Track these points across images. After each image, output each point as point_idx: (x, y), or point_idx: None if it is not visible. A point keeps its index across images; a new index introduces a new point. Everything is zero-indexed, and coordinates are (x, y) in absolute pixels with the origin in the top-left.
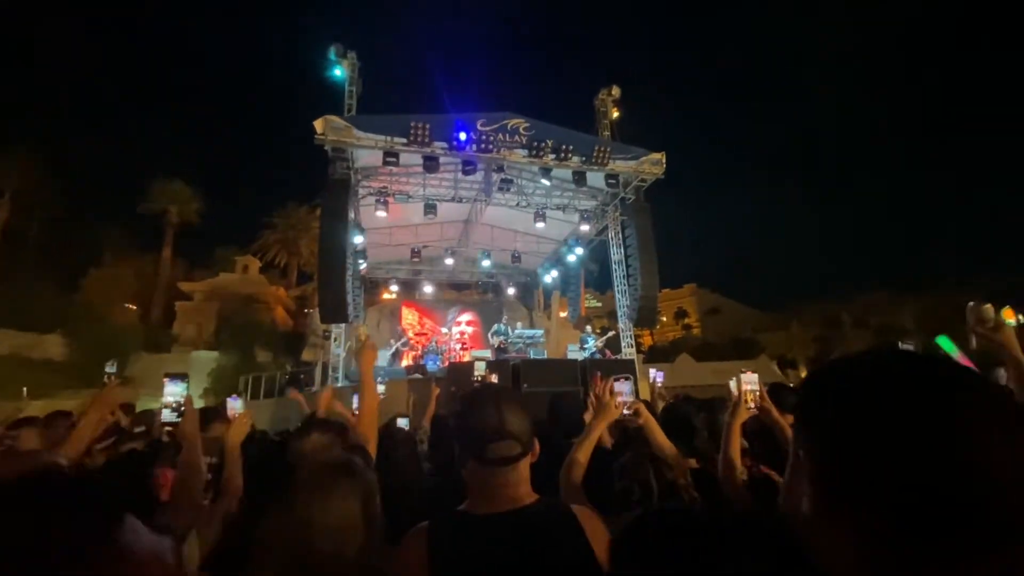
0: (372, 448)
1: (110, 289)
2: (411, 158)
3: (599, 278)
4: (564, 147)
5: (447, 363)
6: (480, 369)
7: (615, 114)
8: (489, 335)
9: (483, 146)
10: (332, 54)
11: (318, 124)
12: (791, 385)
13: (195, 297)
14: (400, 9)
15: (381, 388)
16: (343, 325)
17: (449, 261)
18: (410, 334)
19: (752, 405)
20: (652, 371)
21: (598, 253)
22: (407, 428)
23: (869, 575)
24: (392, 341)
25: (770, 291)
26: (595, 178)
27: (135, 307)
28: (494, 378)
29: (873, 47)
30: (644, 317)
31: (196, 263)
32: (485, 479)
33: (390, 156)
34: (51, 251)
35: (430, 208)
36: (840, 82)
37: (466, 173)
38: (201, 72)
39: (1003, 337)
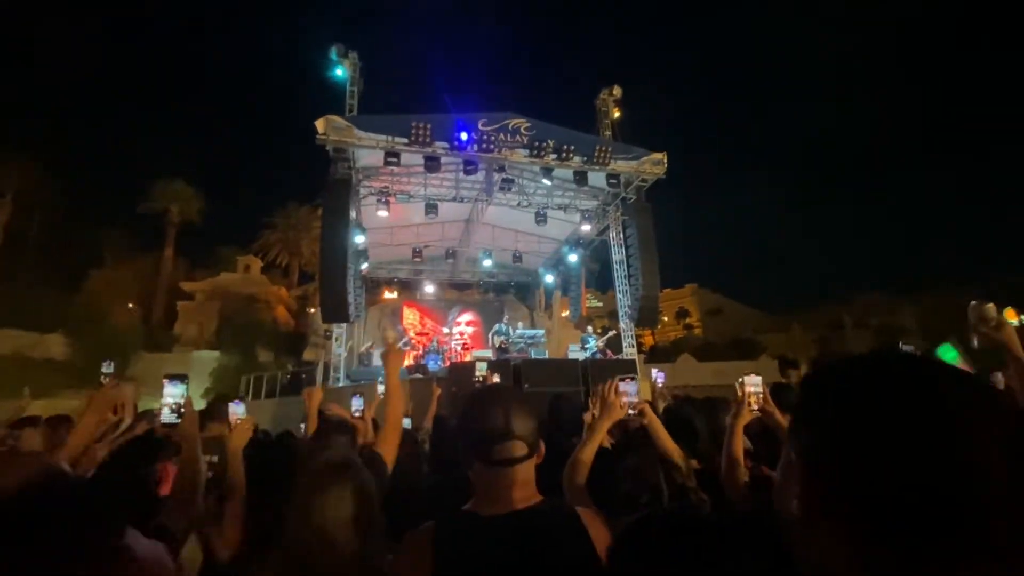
0: (392, 452)
1: (111, 289)
2: (412, 158)
3: (600, 278)
4: (565, 147)
5: (448, 363)
6: (481, 369)
7: (616, 114)
8: (490, 335)
9: (484, 146)
10: (333, 54)
11: (319, 124)
12: (792, 386)
13: (196, 297)
14: (401, 9)
15: (382, 388)
16: (344, 325)
17: (450, 261)
18: (411, 334)
19: (755, 407)
20: (653, 371)
21: (599, 253)
22: (409, 428)
23: (861, 575)
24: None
25: (772, 292)
26: (596, 178)
27: (136, 307)
28: (495, 378)
29: (873, 46)
30: (645, 317)
31: (197, 263)
32: (491, 480)
33: (391, 156)
34: (52, 252)
35: (431, 208)
36: (841, 82)
37: (467, 173)
38: (202, 71)
39: (1005, 336)
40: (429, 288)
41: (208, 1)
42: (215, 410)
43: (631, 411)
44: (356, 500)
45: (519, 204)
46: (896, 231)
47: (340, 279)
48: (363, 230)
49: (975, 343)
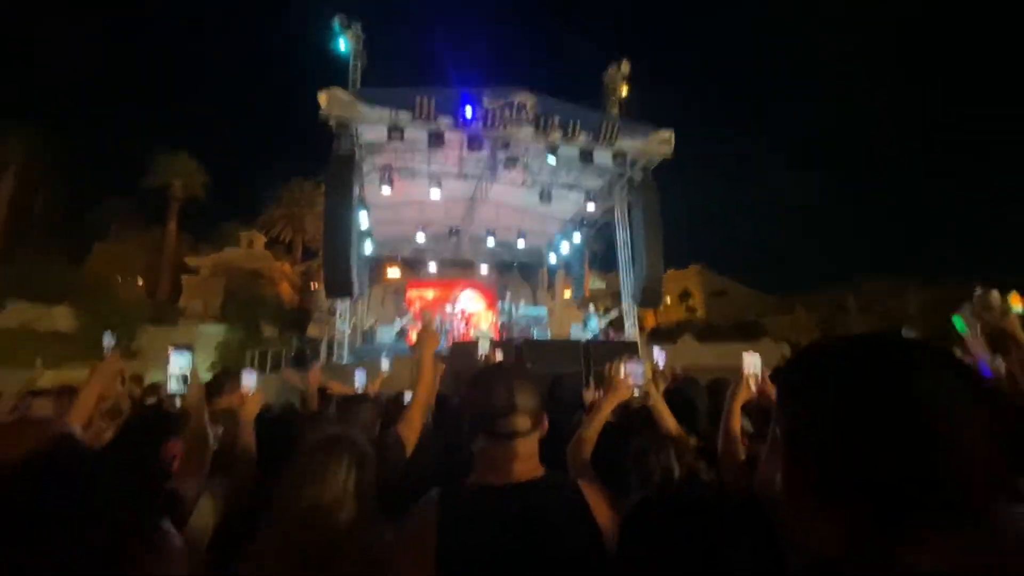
0: (414, 435)
1: (116, 263)
2: (416, 134)
3: (604, 258)
4: (571, 124)
5: (451, 342)
6: (483, 348)
7: (624, 90)
8: (493, 314)
9: (489, 122)
10: (336, 25)
11: (322, 97)
12: None
13: (201, 272)
14: None
15: (386, 364)
16: (348, 302)
17: (454, 240)
18: (414, 311)
19: (753, 386)
20: (655, 351)
21: (603, 233)
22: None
23: (840, 551)
24: (397, 319)
25: (777, 274)
26: (602, 156)
27: (142, 280)
28: (498, 357)
29: (885, 36)
30: (648, 298)
31: (201, 238)
32: (494, 453)
33: (395, 131)
34: (57, 225)
35: (435, 185)
36: (854, 65)
37: (472, 150)
38: (206, 45)
39: (1008, 323)
40: (432, 266)
41: None
42: (222, 382)
43: (636, 391)
44: (350, 474)
45: (524, 182)
46: (904, 218)
47: (344, 256)
48: (367, 207)
49: (979, 330)
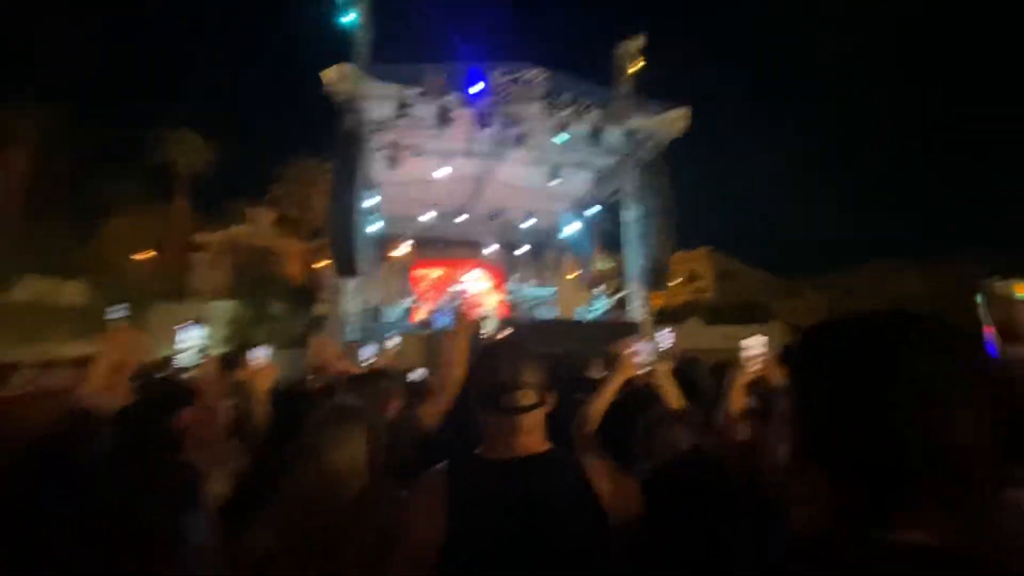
0: (435, 417)
1: (126, 239)
2: (424, 110)
3: (612, 238)
4: (583, 100)
5: (457, 320)
6: (489, 327)
7: (638, 65)
8: (499, 294)
9: (498, 98)
10: None
11: (328, 73)
12: None
13: (209, 249)
14: None
15: (394, 342)
16: (355, 280)
17: (461, 218)
18: (420, 290)
19: (757, 368)
20: (661, 333)
21: (613, 212)
22: (423, 379)
23: (839, 523)
24: (404, 297)
25: (786, 257)
26: (613, 134)
27: (152, 256)
28: (504, 335)
29: (900, 12)
30: (656, 279)
31: (208, 215)
32: (500, 427)
33: (402, 107)
34: (67, 201)
35: (442, 164)
36: (864, 45)
37: (480, 127)
38: (212, 20)
39: (1016, 311)
40: (439, 245)
41: None
42: (237, 357)
43: (643, 370)
44: (361, 443)
45: (532, 161)
46: (914, 200)
47: (350, 234)
48: (373, 185)
49: (990, 318)
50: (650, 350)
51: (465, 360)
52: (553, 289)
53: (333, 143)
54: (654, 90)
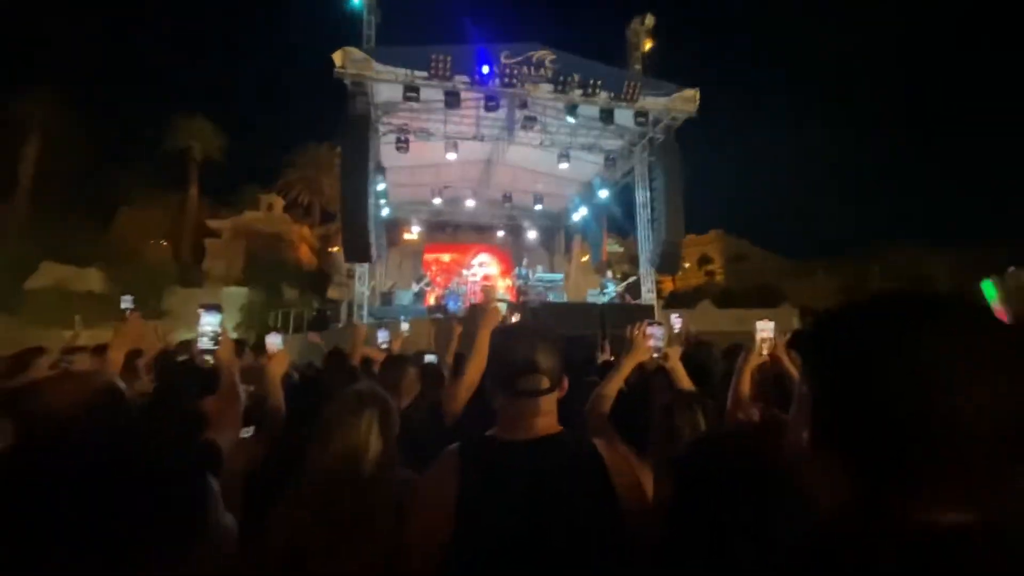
0: (455, 406)
1: (141, 226)
2: (432, 93)
3: (622, 222)
4: (592, 82)
5: (467, 304)
6: (500, 311)
7: (648, 45)
8: (509, 277)
9: (507, 80)
10: None
11: (336, 56)
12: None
13: (223, 235)
14: None
15: (406, 326)
16: (366, 265)
17: (470, 203)
18: (432, 274)
19: (765, 352)
20: (672, 316)
21: (623, 196)
22: (436, 363)
23: (859, 506)
24: (414, 282)
25: (799, 240)
26: (623, 116)
27: (166, 243)
28: (514, 320)
29: None
30: (667, 263)
31: (222, 201)
32: (514, 410)
33: (410, 91)
34: (82, 189)
35: (451, 147)
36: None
37: (489, 109)
38: (221, 6)
39: None
40: (449, 230)
41: None
42: (247, 344)
43: (655, 354)
44: (375, 425)
45: (541, 143)
46: (931, 183)
47: (361, 219)
48: (382, 169)
49: (1013, 310)
50: (661, 333)
51: (485, 356)
52: (562, 274)
53: (342, 127)
54: (665, 70)
